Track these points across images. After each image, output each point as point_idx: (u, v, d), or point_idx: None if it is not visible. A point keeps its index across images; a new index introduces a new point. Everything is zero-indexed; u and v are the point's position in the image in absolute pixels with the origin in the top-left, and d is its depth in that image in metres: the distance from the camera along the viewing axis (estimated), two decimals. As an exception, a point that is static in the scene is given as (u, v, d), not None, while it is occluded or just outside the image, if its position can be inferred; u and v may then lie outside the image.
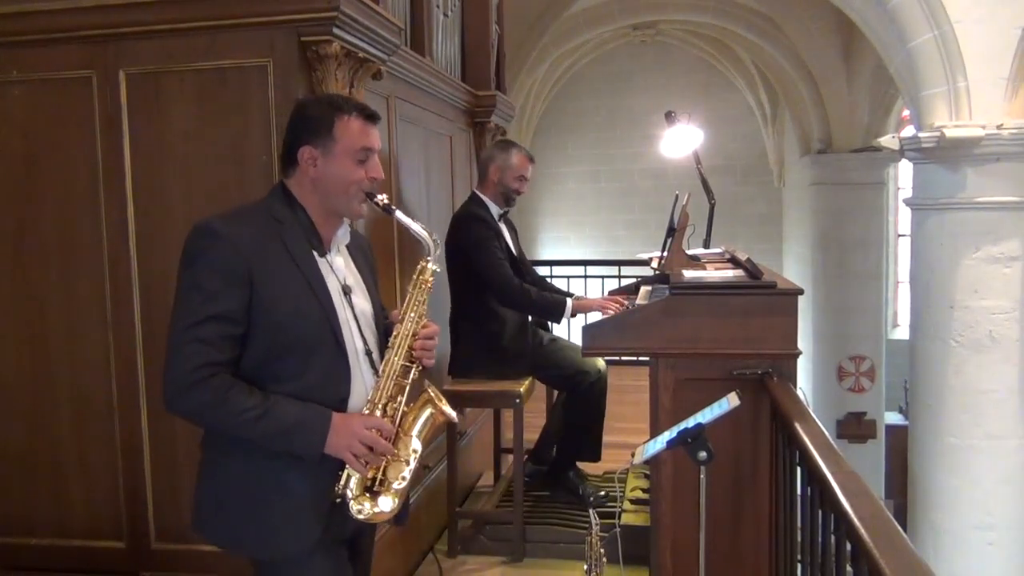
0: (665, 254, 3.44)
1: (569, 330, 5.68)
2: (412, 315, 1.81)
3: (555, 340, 3.67)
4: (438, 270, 1.86)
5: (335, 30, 2.45)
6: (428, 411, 1.79)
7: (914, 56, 4.90)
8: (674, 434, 2.16)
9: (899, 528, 1.46)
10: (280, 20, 2.46)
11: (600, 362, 3.56)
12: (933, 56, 4.80)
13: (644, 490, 3.65)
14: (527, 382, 3.48)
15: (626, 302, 3.40)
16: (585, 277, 7.43)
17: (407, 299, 1.83)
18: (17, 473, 2.81)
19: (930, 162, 5.00)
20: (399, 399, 1.76)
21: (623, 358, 5.06)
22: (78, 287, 2.72)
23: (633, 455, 2.28)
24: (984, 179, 4.79)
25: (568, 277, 7.19)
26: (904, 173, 11.45)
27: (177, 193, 2.63)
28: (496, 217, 3.54)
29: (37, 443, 2.79)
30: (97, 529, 2.78)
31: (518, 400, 3.35)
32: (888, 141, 5.62)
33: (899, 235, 12.16)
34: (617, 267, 7.27)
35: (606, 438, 3.65)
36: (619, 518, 3.41)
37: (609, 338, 2.78)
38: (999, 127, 4.66)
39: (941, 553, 5.02)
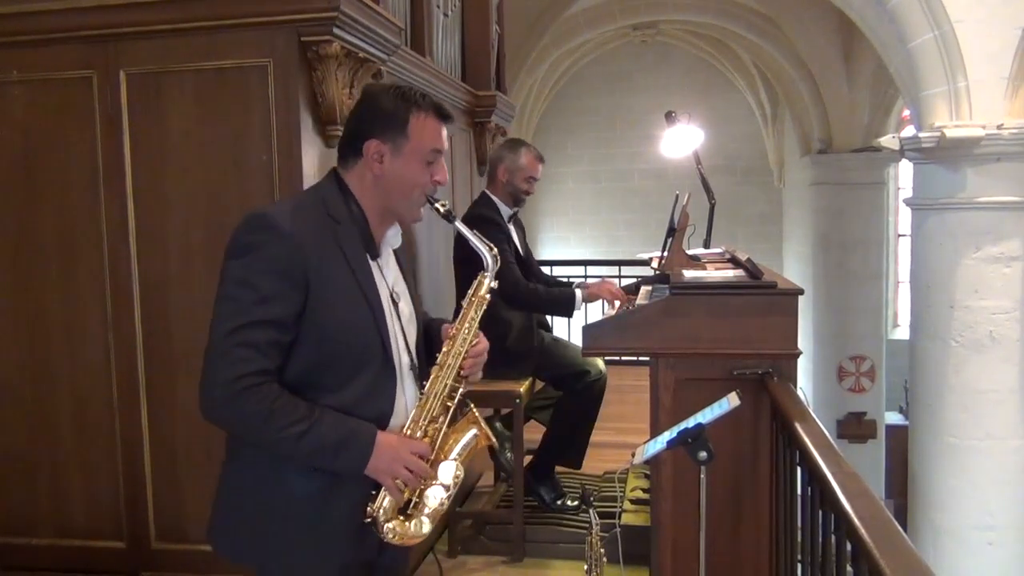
0: (665, 254, 3.43)
1: (569, 330, 5.67)
2: (466, 334, 1.71)
3: (557, 340, 3.67)
4: (495, 286, 1.75)
5: (335, 30, 2.45)
6: (472, 432, 1.70)
7: (914, 56, 4.90)
8: (674, 434, 2.16)
9: (899, 528, 1.46)
10: (280, 20, 2.46)
11: (601, 363, 3.56)
12: (933, 56, 4.81)
13: (644, 490, 3.64)
14: (527, 382, 3.48)
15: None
16: (585, 277, 7.43)
17: (461, 316, 1.73)
18: (17, 473, 2.81)
19: (930, 162, 5.00)
20: (441, 420, 1.67)
21: (623, 358, 5.06)
22: (78, 287, 2.72)
23: (633, 455, 2.28)
24: (984, 179, 4.79)
25: (568, 277, 7.18)
26: (904, 173, 11.45)
27: (177, 193, 2.63)
28: (506, 218, 3.53)
29: (37, 443, 2.79)
30: (97, 529, 2.78)
31: (518, 400, 3.35)
32: (888, 141, 5.63)
33: (899, 235, 12.17)
34: (617, 267, 7.26)
35: (607, 438, 3.64)
36: (619, 518, 3.40)
37: (609, 338, 2.77)
38: (999, 127, 4.66)
39: (941, 553, 5.02)
